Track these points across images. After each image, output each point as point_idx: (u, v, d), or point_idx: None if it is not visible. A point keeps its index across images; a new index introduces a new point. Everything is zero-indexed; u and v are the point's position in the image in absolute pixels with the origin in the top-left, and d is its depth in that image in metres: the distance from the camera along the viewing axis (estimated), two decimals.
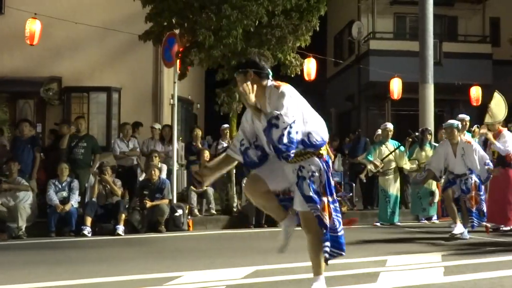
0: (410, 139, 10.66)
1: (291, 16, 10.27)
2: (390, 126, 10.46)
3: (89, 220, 8.81)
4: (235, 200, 10.41)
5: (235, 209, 10.28)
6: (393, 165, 10.12)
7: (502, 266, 5.12)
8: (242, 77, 3.88)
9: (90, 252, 7.16)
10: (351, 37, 19.42)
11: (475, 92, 15.89)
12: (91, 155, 10.17)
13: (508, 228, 8.38)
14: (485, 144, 8.63)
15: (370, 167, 10.14)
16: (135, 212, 9.12)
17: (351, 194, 11.78)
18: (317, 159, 3.82)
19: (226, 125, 11.05)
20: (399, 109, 17.76)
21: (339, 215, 3.95)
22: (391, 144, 10.21)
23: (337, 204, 3.95)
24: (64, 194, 9.03)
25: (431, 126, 11.35)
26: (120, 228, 8.80)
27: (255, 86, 3.80)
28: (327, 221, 3.81)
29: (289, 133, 3.61)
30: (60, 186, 9.07)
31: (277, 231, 9.64)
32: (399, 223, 9.97)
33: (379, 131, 10.98)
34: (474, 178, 7.35)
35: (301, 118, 3.75)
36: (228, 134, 10.78)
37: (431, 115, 11.74)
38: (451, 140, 7.55)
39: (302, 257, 5.79)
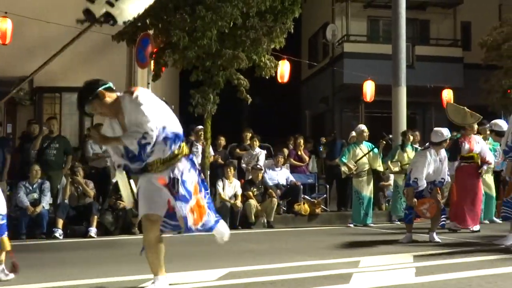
0: (384, 142, 10.78)
1: (265, 18, 10.30)
2: (364, 128, 10.56)
3: (60, 222, 8.70)
4: None
5: None
6: (367, 167, 10.22)
7: (470, 266, 5.22)
8: (98, 102, 3.85)
9: (62, 254, 7.06)
10: (325, 39, 19.56)
11: (447, 95, 16.16)
12: (63, 156, 10.04)
13: (477, 228, 8.59)
14: None
15: (344, 169, 10.23)
16: (108, 214, 9.04)
17: (325, 195, 11.86)
18: (184, 159, 3.98)
19: (200, 127, 11.02)
20: (372, 111, 17.95)
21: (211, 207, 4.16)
22: (365, 146, 10.32)
23: (208, 199, 4.16)
24: (35, 196, 8.90)
25: (403, 128, 11.52)
26: (93, 230, 8.72)
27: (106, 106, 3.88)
28: (191, 221, 3.96)
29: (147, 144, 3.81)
30: (30, 188, 8.94)
31: (251, 232, 9.71)
32: (372, 224, 10.08)
33: (354, 133, 11.09)
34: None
35: (161, 122, 3.85)
36: (202, 135, 10.76)
37: (403, 117, 11.90)
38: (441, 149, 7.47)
39: (275, 259, 5.82)
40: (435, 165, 7.36)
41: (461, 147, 8.77)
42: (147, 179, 4.03)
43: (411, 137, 10.63)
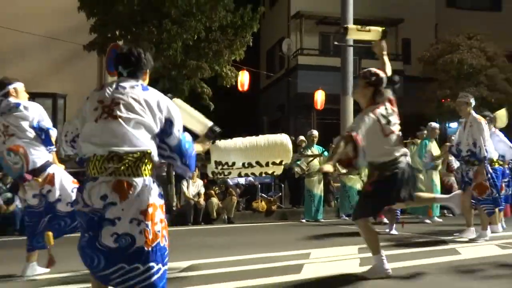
0: (334, 145, 10.91)
1: (227, 32, 10.34)
2: (315, 133, 10.68)
3: None
4: (174, 199, 10.32)
5: (174, 208, 10.18)
6: (318, 168, 10.32)
7: (411, 256, 5.34)
8: None
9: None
10: (281, 52, 19.72)
11: None
12: None
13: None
14: None
15: (297, 169, 10.31)
16: None
17: (280, 194, 11.93)
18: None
19: None
20: (323, 118, 18.15)
21: None
22: (316, 149, 10.44)
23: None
24: (9, 195, 8.63)
25: None
26: None
27: None
28: None
29: None
30: (4, 188, 8.67)
31: (213, 228, 9.65)
32: (322, 220, 10.19)
33: (302, 137, 11.17)
34: None
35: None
36: None
37: (351, 123, 12.08)
38: None
39: (235, 252, 5.81)
40: None
41: None
42: None
43: None
